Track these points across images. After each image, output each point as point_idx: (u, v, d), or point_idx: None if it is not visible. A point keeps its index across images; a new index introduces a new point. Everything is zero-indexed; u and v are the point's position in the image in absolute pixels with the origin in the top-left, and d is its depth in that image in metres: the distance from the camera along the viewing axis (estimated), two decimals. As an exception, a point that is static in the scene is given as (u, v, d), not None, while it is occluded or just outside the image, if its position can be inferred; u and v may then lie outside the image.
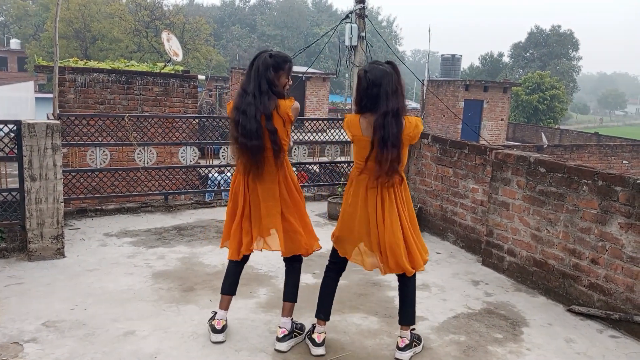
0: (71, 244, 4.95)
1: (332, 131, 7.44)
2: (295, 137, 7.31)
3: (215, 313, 3.39)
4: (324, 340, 3.26)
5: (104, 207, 6.06)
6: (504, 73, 55.81)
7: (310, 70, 23.12)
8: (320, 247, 3.37)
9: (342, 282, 3.41)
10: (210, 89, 29.64)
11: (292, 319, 3.35)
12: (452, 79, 28.10)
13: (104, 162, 6.06)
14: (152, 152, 6.34)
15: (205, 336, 3.38)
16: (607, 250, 3.88)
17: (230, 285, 3.36)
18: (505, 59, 62.45)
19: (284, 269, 3.40)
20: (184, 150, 6.55)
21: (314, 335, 3.25)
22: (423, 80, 22.77)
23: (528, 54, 60.41)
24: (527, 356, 3.39)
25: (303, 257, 3.36)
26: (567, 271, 4.19)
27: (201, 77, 13.39)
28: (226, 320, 3.35)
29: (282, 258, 3.35)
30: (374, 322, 3.73)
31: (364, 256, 3.17)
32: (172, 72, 10.67)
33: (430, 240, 5.76)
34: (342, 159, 7.58)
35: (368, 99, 3.00)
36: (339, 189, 7.01)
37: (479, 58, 62.99)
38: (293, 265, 3.34)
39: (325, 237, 3.74)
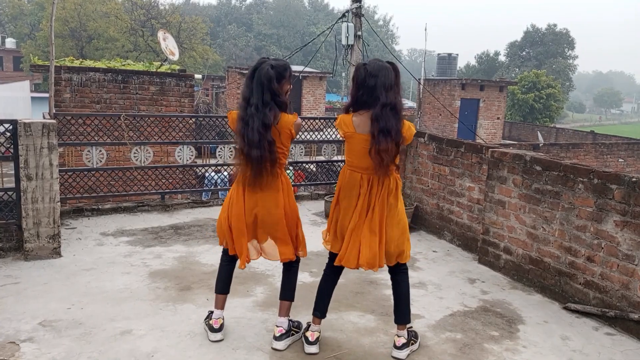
0: (67, 244, 4.94)
1: (329, 130, 7.44)
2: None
3: (212, 313, 3.40)
4: (317, 338, 3.27)
5: (100, 207, 6.06)
6: (500, 72, 55.91)
7: (307, 69, 23.12)
8: (306, 255, 3.41)
9: (339, 280, 3.42)
10: (207, 88, 29.64)
11: (289, 317, 3.36)
12: (448, 78, 28.09)
13: (100, 161, 6.05)
14: (149, 151, 6.33)
15: (202, 335, 3.38)
16: (602, 248, 3.90)
17: (223, 284, 3.39)
18: (502, 57, 62.60)
19: (281, 268, 3.41)
20: (180, 149, 6.55)
21: (308, 334, 3.28)
22: (419, 79, 22.77)
23: (524, 52, 60.54)
24: (523, 354, 3.41)
25: (300, 258, 3.38)
26: (563, 269, 4.20)
27: (197, 76, 13.37)
28: (223, 319, 3.37)
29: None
30: (371, 320, 3.74)
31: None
32: (169, 71, 10.64)
33: (426, 238, 5.79)
34: (339, 157, 7.59)
35: (365, 90, 3.00)
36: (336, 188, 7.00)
37: (475, 57, 63.23)
38: (291, 265, 3.36)
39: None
